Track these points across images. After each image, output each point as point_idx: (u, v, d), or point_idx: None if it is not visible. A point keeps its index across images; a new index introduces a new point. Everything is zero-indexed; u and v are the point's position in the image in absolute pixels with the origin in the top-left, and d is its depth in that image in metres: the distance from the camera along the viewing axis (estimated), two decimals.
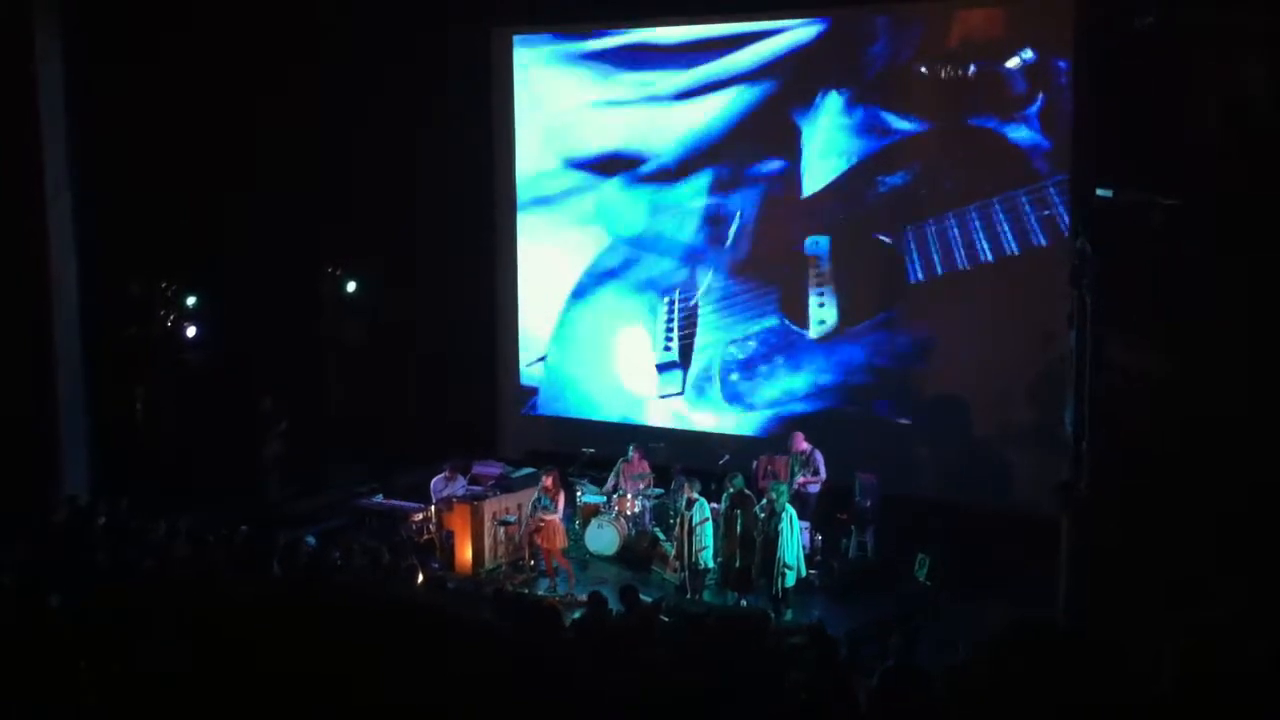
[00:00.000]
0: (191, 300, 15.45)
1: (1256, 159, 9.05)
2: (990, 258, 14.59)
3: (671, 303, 16.88)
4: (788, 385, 16.09)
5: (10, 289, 14.48)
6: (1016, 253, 14.36)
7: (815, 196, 15.69)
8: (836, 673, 8.58)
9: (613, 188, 17.20)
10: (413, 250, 17.37)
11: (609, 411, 17.36)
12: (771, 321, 16.13)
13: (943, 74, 14.71)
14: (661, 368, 17.02)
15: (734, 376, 16.46)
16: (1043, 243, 14.20)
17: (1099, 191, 9.71)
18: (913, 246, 15.01)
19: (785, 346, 16.09)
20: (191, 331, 15.41)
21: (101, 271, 14.94)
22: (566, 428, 17.69)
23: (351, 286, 17.21)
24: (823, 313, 15.73)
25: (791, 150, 15.73)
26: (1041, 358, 13.91)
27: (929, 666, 8.44)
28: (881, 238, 15.23)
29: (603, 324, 17.41)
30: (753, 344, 16.33)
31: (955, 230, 14.71)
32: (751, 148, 16.07)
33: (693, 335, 16.75)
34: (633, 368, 17.19)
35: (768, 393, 16.25)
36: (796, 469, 14.10)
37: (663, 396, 16.98)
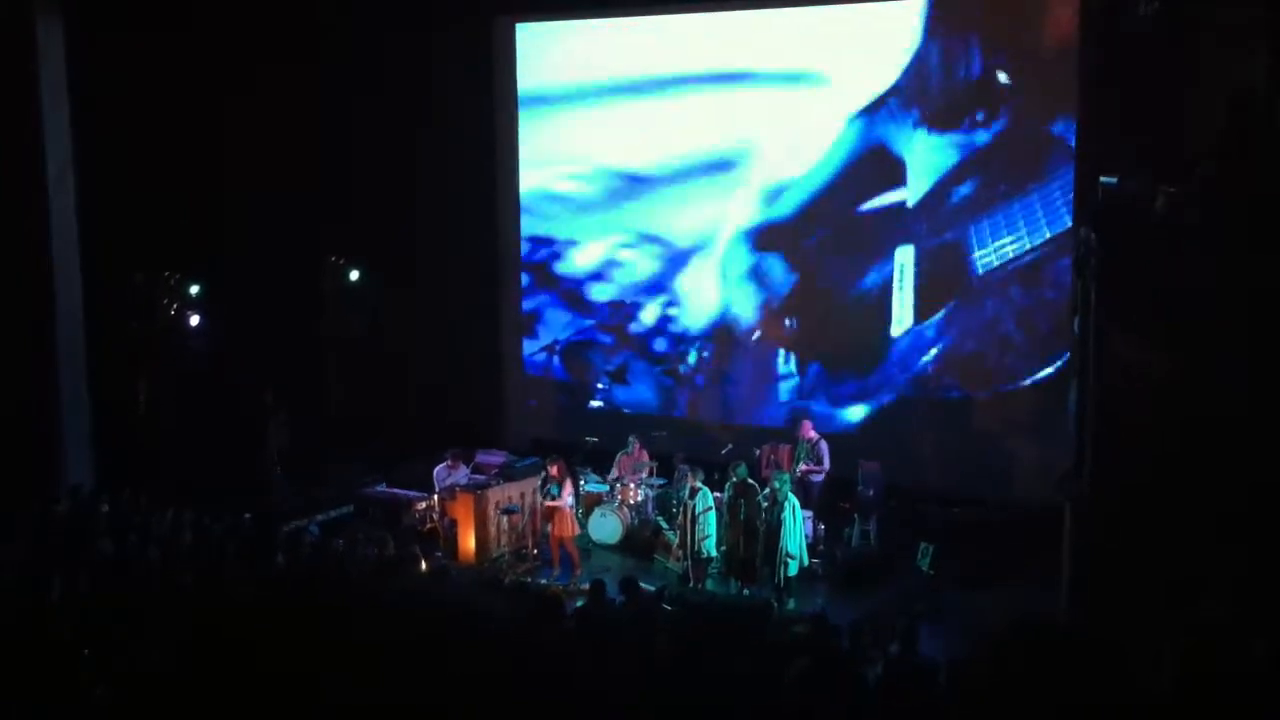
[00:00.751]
0: (194, 290, 15.44)
1: (1259, 151, 9.03)
2: (1048, 234, 14.64)
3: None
4: (869, 381, 16.05)
5: (12, 281, 14.48)
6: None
7: (910, 211, 15.76)
8: (839, 662, 8.60)
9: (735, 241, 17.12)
10: (416, 240, 17.35)
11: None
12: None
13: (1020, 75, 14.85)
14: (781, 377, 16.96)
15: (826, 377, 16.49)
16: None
17: (1103, 180, 9.68)
18: (974, 242, 15.12)
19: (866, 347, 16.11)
20: (195, 320, 15.40)
21: (104, 263, 14.94)
22: (569, 417, 17.71)
23: (354, 276, 17.20)
24: (902, 312, 15.78)
25: (893, 176, 15.73)
26: (1047, 350, 13.94)
27: (931, 656, 8.47)
28: (948, 236, 15.34)
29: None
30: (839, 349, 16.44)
31: (1019, 215, 14.82)
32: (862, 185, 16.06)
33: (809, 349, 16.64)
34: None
35: (854, 388, 16.18)
36: (801, 456, 14.11)
37: (785, 401, 16.80)
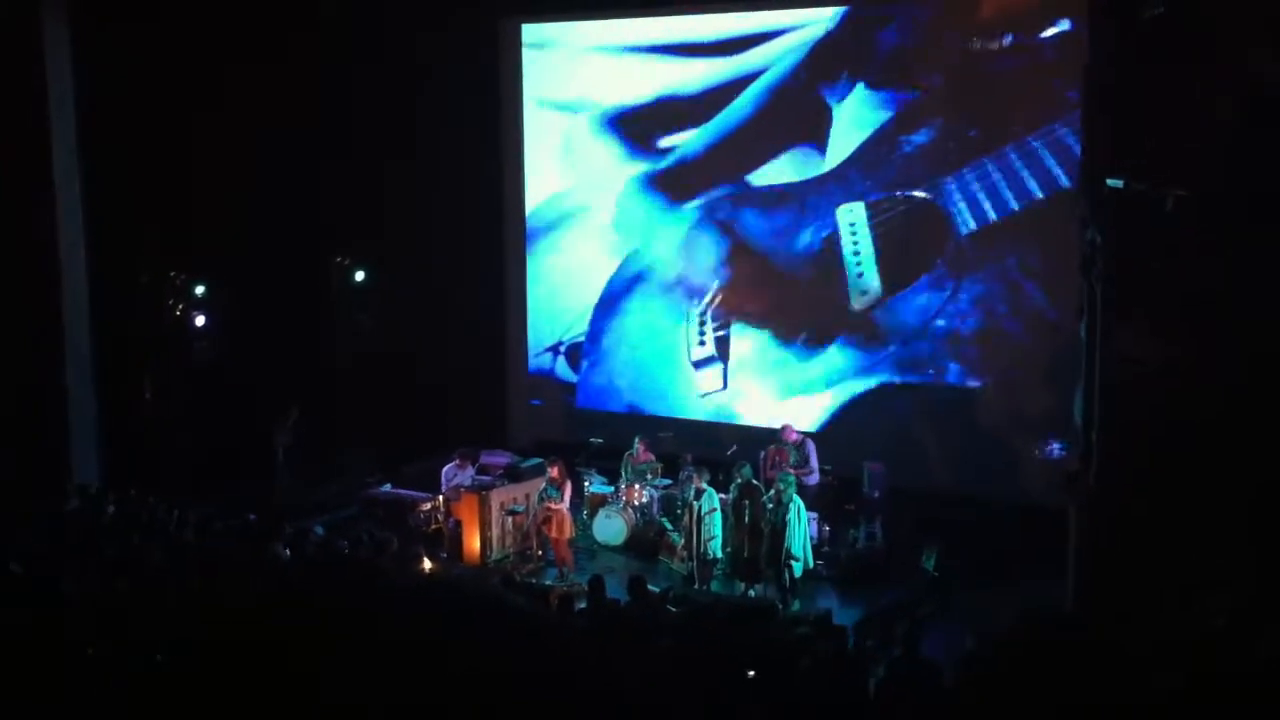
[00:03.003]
0: (200, 290, 15.45)
1: (1269, 148, 9.01)
2: (1040, 194, 14.15)
3: (701, 295, 16.69)
4: (839, 364, 15.76)
5: (19, 281, 14.51)
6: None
7: (837, 170, 15.43)
8: (844, 662, 8.59)
9: (630, 180, 17.10)
10: (422, 241, 17.36)
11: (656, 409, 17.14)
12: (814, 303, 15.83)
13: (974, 46, 14.53)
14: (698, 364, 16.76)
15: (778, 363, 16.15)
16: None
17: (1109, 182, 9.67)
18: (957, 197, 14.67)
19: (829, 324, 15.74)
20: (200, 321, 15.42)
21: (110, 263, 14.96)
22: (575, 417, 17.71)
23: (360, 276, 17.19)
24: (862, 283, 15.43)
25: (819, 134, 15.52)
26: (1052, 346, 13.86)
27: (936, 656, 8.46)
28: (917, 193, 14.90)
29: (639, 320, 17.25)
30: (794, 327, 16.04)
31: (997, 174, 14.34)
32: (776, 136, 15.90)
33: (727, 326, 16.50)
34: (673, 365, 17.03)
35: (820, 374, 15.90)
36: (793, 459, 14.05)
37: (705, 395, 16.75)
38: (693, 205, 16.65)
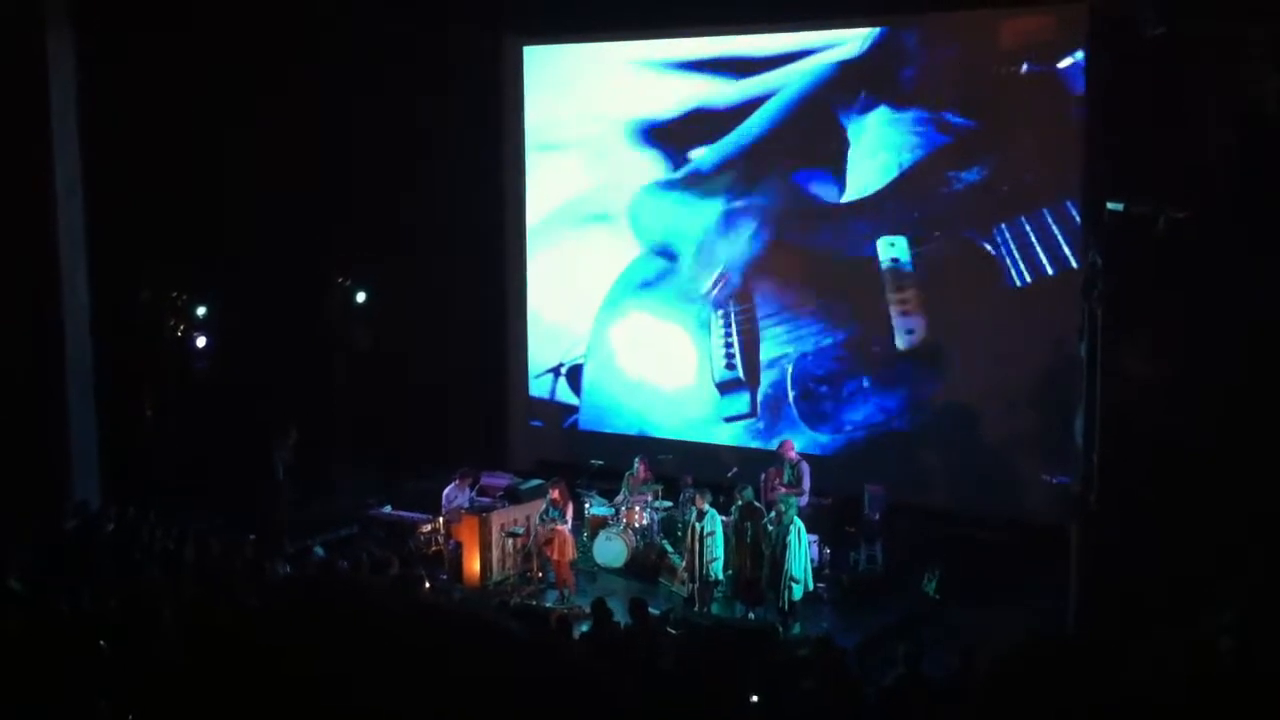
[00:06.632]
0: (201, 310, 15.46)
1: (1268, 167, 9.04)
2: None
3: (728, 315, 16.35)
4: (881, 402, 15.38)
5: (21, 297, 14.51)
6: None
7: (875, 196, 15.07)
8: (845, 684, 8.57)
9: (643, 194, 16.96)
10: (422, 261, 17.36)
11: (666, 430, 16.83)
12: (847, 333, 15.49)
13: (997, 74, 14.29)
14: (724, 387, 16.44)
15: (813, 395, 15.73)
16: None
17: (1109, 205, 9.69)
18: (1012, 247, 14.22)
19: (871, 360, 15.37)
20: (201, 341, 15.42)
21: (111, 280, 14.97)
22: (576, 439, 17.67)
23: (361, 297, 17.19)
24: (909, 321, 15.06)
25: (837, 153, 15.28)
26: (1051, 365, 13.85)
27: (938, 677, 8.43)
28: (973, 239, 14.37)
29: (646, 337, 17.05)
30: (831, 359, 15.63)
31: (1055, 227, 13.84)
32: (797, 150, 15.64)
33: (756, 350, 16.14)
34: (688, 384, 16.75)
35: (858, 412, 15.54)
36: (786, 476, 14.01)
37: (728, 419, 16.48)
38: (714, 210, 16.33)
